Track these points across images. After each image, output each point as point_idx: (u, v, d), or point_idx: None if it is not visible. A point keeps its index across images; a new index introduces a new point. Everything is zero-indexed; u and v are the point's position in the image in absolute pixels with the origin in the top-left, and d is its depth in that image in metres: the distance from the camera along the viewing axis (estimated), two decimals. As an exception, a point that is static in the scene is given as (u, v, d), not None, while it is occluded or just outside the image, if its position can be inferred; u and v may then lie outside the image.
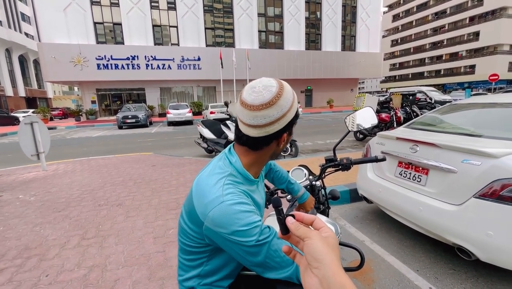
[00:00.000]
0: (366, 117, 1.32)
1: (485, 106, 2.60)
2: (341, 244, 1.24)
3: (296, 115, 0.75)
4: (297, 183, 1.22)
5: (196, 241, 0.74)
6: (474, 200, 1.72)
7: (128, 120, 14.45)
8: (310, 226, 0.42)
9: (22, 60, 33.59)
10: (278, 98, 0.68)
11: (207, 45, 22.46)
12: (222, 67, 18.74)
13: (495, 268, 1.81)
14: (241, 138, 0.75)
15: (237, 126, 0.76)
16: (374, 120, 1.28)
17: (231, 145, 0.81)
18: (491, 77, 17.89)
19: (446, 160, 1.92)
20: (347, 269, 1.25)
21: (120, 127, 14.65)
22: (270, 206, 1.30)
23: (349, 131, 1.29)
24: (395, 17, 56.81)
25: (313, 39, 26.15)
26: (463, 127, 2.36)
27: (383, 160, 1.20)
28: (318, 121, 15.15)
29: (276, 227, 1.16)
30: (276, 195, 1.34)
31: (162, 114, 20.92)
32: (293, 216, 0.43)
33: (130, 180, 4.31)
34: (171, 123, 15.78)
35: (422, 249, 2.26)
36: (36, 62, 34.88)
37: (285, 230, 0.43)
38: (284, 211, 0.46)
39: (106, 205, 3.30)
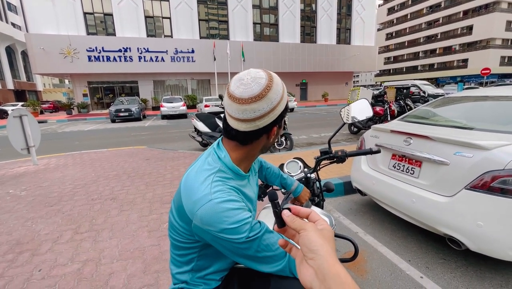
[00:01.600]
0: (361, 109, 1.32)
1: (477, 100, 2.63)
2: (335, 235, 1.24)
3: (286, 108, 0.73)
4: (290, 177, 1.22)
5: (186, 237, 0.72)
6: (465, 192, 1.75)
7: (121, 114, 14.23)
8: (305, 219, 0.42)
9: (10, 51, 32.54)
10: (268, 91, 0.65)
11: (201, 37, 22.08)
12: (214, 59, 18.50)
13: (484, 257, 1.86)
14: (230, 133, 0.73)
15: (225, 120, 0.74)
16: (370, 113, 1.28)
17: (220, 138, 0.79)
18: (483, 71, 18.12)
19: (439, 152, 1.94)
20: (342, 260, 1.26)
21: (113, 121, 14.43)
22: (265, 199, 1.30)
23: (344, 123, 1.29)
24: (390, 10, 56.70)
25: (308, 32, 25.96)
26: (455, 120, 2.39)
27: (378, 152, 1.20)
28: (313, 114, 15.17)
29: (270, 220, 1.16)
30: (271, 188, 1.33)
31: (156, 108, 20.66)
32: (289, 209, 0.43)
33: (123, 174, 4.26)
34: (165, 117, 15.61)
35: (414, 239, 2.31)
36: (24, 54, 33.83)
37: (281, 223, 0.43)
38: (280, 204, 0.46)
39: (99, 199, 3.26)
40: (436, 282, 1.80)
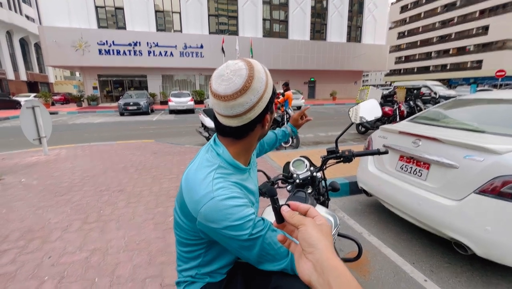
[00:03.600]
0: (370, 109, 1.30)
1: (489, 102, 2.57)
2: (340, 235, 1.25)
3: (274, 92, 0.71)
4: (280, 130, 1.28)
5: (192, 234, 0.73)
6: (474, 196, 1.73)
7: (130, 107, 14.40)
8: (304, 215, 0.43)
9: (23, 43, 33.21)
10: (251, 81, 0.63)
11: (210, 33, 22.06)
12: (224, 55, 18.48)
13: (490, 263, 1.83)
14: (224, 131, 0.71)
15: (215, 119, 0.72)
16: (378, 113, 1.27)
17: (215, 135, 0.77)
18: (497, 73, 17.60)
19: (448, 155, 1.91)
20: (345, 260, 1.26)
21: (122, 114, 14.62)
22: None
23: (352, 123, 1.28)
24: (403, 8, 55.44)
25: (318, 29, 25.63)
26: (466, 123, 2.34)
27: (385, 152, 1.19)
28: (320, 113, 15.06)
29: (273, 218, 1.17)
30: (276, 185, 1.34)
31: (164, 102, 20.81)
32: (288, 205, 0.44)
33: (131, 167, 4.33)
34: (173, 112, 15.73)
35: (419, 242, 2.29)
36: (37, 46, 34.47)
37: (280, 219, 0.44)
38: (284, 201, 0.46)
39: (107, 191, 3.33)
40: (440, 286, 1.79)
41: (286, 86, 6.45)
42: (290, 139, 5.79)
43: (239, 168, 0.74)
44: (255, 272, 0.78)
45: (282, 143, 5.76)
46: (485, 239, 1.65)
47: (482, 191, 1.69)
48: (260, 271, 0.74)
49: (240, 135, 0.72)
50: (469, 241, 1.72)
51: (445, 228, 1.86)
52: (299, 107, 17.86)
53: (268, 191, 0.47)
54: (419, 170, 2.13)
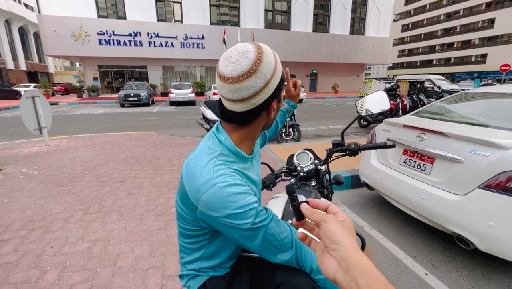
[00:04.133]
0: (377, 101, 1.27)
1: (494, 97, 2.53)
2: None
3: (282, 80, 0.69)
4: (280, 112, 1.23)
5: (194, 224, 0.71)
6: (478, 191, 1.71)
7: (130, 99, 14.32)
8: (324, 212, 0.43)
9: (22, 32, 32.83)
10: (259, 64, 0.61)
11: (211, 24, 21.72)
12: (225, 46, 18.26)
13: (492, 258, 1.83)
14: (227, 116, 0.69)
15: (220, 103, 0.70)
16: (386, 106, 1.23)
17: (219, 122, 0.75)
18: (502, 68, 17.38)
19: (453, 150, 1.88)
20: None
21: (122, 105, 14.56)
22: (274, 188, 1.29)
23: (359, 115, 1.25)
24: (408, 0, 54.38)
25: (321, 21, 25.20)
26: (470, 117, 2.31)
27: (393, 146, 1.17)
28: (322, 106, 14.96)
29: (278, 209, 1.15)
30: (279, 178, 1.32)
31: (165, 94, 20.69)
32: (307, 202, 0.43)
33: (132, 158, 4.32)
34: (173, 103, 15.64)
35: (421, 236, 2.29)
36: (37, 35, 34.09)
37: (300, 216, 0.43)
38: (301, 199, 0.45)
39: (108, 182, 3.33)
40: (441, 279, 1.79)
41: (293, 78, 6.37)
42: (292, 132, 5.76)
43: (241, 156, 0.72)
44: (260, 267, 0.77)
45: (284, 136, 5.73)
46: (489, 235, 1.64)
47: (487, 186, 1.67)
48: (264, 265, 0.72)
49: (244, 122, 0.69)
50: (473, 236, 1.71)
51: (448, 223, 1.85)
52: (301, 100, 17.75)
53: (287, 188, 0.46)
54: (423, 164, 2.11)
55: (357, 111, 1.31)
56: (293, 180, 1.33)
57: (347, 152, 1.22)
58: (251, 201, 0.62)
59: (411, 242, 2.22)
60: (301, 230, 0.45)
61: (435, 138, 2.04)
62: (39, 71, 36.24)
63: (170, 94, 15.18)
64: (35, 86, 19.98)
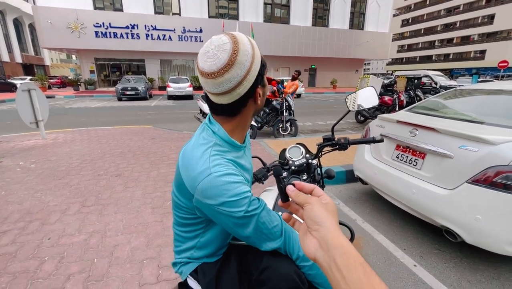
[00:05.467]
0: (368, 97, 1.30)
1: (489, 93, 2.56)
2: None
3: (263, 65, 0.70)
4: None
5: (190, 213, 0.74)
6: (466, 185, 1.75)
7: (128, 92, 14.23)
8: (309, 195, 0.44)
9: (17, 24, 32.27)
10: (236, 55, 0.62)
11: (209, 17, 21.47)
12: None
13: (478, 250, 1.89)
14: (216, 109, 0.72)
15: (207, 98, 0.72)
16: (375, 101, 1.26)
17: (210, 114, 0.77)
18: (500, 64, 17.40)
19: (444, 145, 1.92)
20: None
21: (120, 99, 14.46)
22: (266, 182, 1.32)
23: (349, 111, 1.28)
24: (409, -5, 53.93)
25: (320, 15, 24.98)
26: (465, 113, 2.34)
27: (381, 141, 1.20)
28: (320, 101, 14.96)
29: (270, 201, 1.19)
30: (271, 172, 1.35)
31: (162, 88, 20.55)
32: (293, 185, 0.44)
33: (129, 152, 4.34)
34: (171, 97, 15.57)
35: (411, 229, 2.35)
36: (32, 27, 33.52)
37: (285, 198, 0.45)
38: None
39: (105, 175, 3.35)
40: (429, 271, 1.85)
41: (298, 75, 6.34)
42: (289, 127, 5.78)
43: (234, 145, 0.74)
44: (248, 253, 0.80)
45: (281, 131, 5.75)
46: (475, 227, 1.69)
47: (475, 181, 1.72)
48: (252, 252, 0.76)
49: (233, 112, 0.71)
50: (460, 229, 1.77)
51: (437, 216, 1.90)
52: (299, 95, 17.73)
53: (274, 170, 0.48)
54: (415, 159, 2.15)
55: (347, 107, 1.34)
56: (285, 173, 1.37)
57: (337, 146, 1.25)
58: (244, 190, 0.65)
59: (401, 235, 2.27)
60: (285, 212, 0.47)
61: (427, 134, 2.07)
62: (35, 64, 35.77)
63: (168, 88, 15.09)
64: (31, 79, 19.77)
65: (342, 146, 1.23)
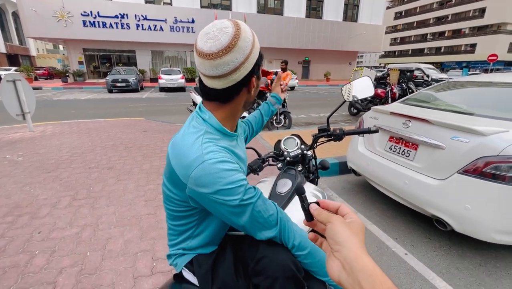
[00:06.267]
0: (363, 88, 1.29)
1: (480, 85, 2.60)
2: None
3: (261, 56, 0.70)
4: (263, 104, 1.23)
5: (182, 205, 0.72)
6: (457, 176, 1.79)
7: (118, 84, 13.90)
8: (335, 213, 0.41)
9: (0, 12, 30.91)
10: (237, 39, 0.62)
11: (202, 7, 20.99)
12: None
13: (467, 238, 1.94)
14: (209, 94, 0.70)
15: (201, 82, 0.70)
16: (371, 92, 1.26)
17: (201, 102, 0.76)
18: (489, 58, 17.67)
19: (436, 136, 1.95)
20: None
21: (110, 91, 14.14)
22: (261, 172, 1.31)
23: (345, 101, 1.27)
24: (402, -13, 53.83)
25: (314, 7, 24.73)
26: (456, 105, 2.37)
27: (376, 131, 1.20)
28: (313, 94, 14.96)
29: (265, 193, 1.18)
30: (266, 163, 1.34)
31: (154, 79, 20.15)
32: (317, 203, 0.43)
33: (121, 144, 4.26)
34: (163, 89, 15.30)
35: (403, 219, 2.39)
36: (16, 15, 32.14)
37: (309, 216, 0.43)
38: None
39: (96, 168, 3.29)
40: (419, 259, 1.90)
41: (286, 64, 6.28)
42: (282, 119, 5.77)
43: (226, 133, 0.73)
44: (243, 243, 0.80)
45: (275, 124, 5.74)
46: (465, 216, 1.73)
47: (465, 171, 1.75)
48: (248, 242, 0.75)
49: (226, 99, 0.70)
50: (450, 218, 1.81)
51: (428, 206, 1.94)
52: (292, 88, 17.67)
53: (296, 188, 0.45)
54: (407, 151, 2.18)
55: (343, 97, 1.33)
56: (280, 164, 1.36)
57: (332, 137, 1.25)
58: (240, 178, 0.63)
59: (393, 225, 2.32)
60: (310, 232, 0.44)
61: (420, 126, 2.09)
62: (20, 54, 34.48)
63: (160, 80, 14.81)
64: (16, 70, 19.05)
65: (338, 136, 1.23)
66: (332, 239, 0.37)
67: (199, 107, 0.74)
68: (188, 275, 0.80)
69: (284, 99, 6.01)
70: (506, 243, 1.69)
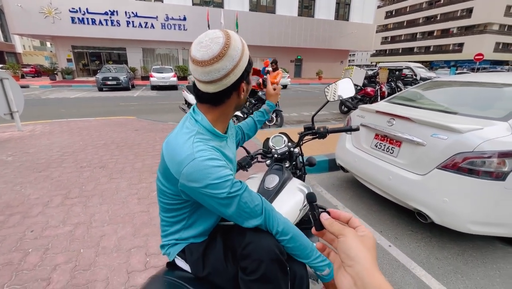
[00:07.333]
0: (346, 88, 1.37)
1: (463, 85, 2.72)
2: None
3: (249, 63, 0.76)
4: (257, 111, 1.30)
5: (175, 198, 0.79)
6: (436, 171, 1.89)
7: (109, 82, 13.70)
8: (346, 224, 0.41)
9: (-17, 7, 29.86)
10: (227, 49, 0.69)
11: (193, 4, 20.81)
12: (209, 28, 17.65)
13: (447, 230, 2.05)
14: (202, 97, 0.77)
15: (195, 86, 0.78)
16: (352, 92, 1.33)
17: (195, 104, 0.83)
18: (476, 57, 18.14)
19: (418, 134, 2.05)
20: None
21: (100, 89, 13.92)
22: (250, 169, 1.38)
23: (328, 101, 1.34)
24: (393, -14, 54.57)
25: (306, 5, 24.84)
26: (441, 104, 2.48)
27: (357, 129, 1.28)
28: (306, 92, 15.10)
29: (253, 189, 1.25)
30: (255, 160, 1.41)
31: (145, 78, 19.89)
32: (328, 212, 0.42)
33: (112, 143, 4.25)
34: (155, 88, 15.15)
35: (388, 213, 2.50)
36: (1, 11, 31.17)
37: (319, 226, 0.42)
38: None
39: (88, 167, 3.29)
40: (402, 250, 2.00)
41: (276, 64, 6.34)
42: (274, 118, 5.85)
43: (216, 134, 0.80)
44: (232, 232, 0.86)
45: (266, 122, 5.81)
46: (442, 209, 1.84)
47: (444, 167, 1.86)
48: (236, 230, 0.82)
49: (217, 102, 0.77)
50: (429, 211, 1.92)
51: (410, 200, 2.04)
52: (285, 86, 17.77)
53: (308, 196, 0.45)
54: (392, 148, 2.28)
55: (326, 97, 1.40)
56: (268, 161, 1.43)
57: (317, 135, 1.32)
58: (227, 173, 0.70)
59: (379, 219, 2.42)
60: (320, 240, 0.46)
61: (403, 124, 2.19)
62: (5, 51, 33.44)
63: (151, 78, 14.66)
64: (1, 68, 18.51)
65: (321, 134, 1.30)
66: (344, 253, 0.36)
67: (193, 109, 0.81)
68: (181, 262, 0.86)
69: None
70: (481, 233, 1.80)
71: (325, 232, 0.42)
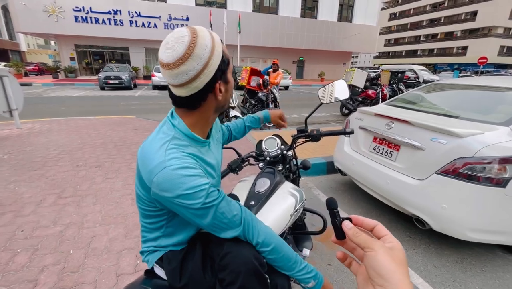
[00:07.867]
0: (341, 90, 1.33)
1: (465, 88, 2.66)
2: (306, 209, 1.32)
3: (224, 60, 0.69)
4: (251, 116, 1.26)
5: (151, 205, 0.74)
6: (435, 176, 1.84)
7: (111, 81, 13.73)
8: (370, 232, 0.37)
9: (-11, 5, 30.15)
10: (193, 48, 0.62)
11: (196, 4, 20.85)
12: (211, 29, 17.66)
13: (445, 237, 2.00)
14: (176, 101, 0.73)
15: (169, 89, 0.73)
16: (346, 94, 1.29)
17: (173, 108, 0.78)
18: (479, 60, 18.03)
19: (417, 138, 2.00)
20: (311, 233, 1.35)
21: (102, 88, 13.95)
22: (240, 172, 1.34)
23: (321, 103, 1.30)
24: (397, -11, 54.40)
25: (309, 6, 24.80)
26: (441, 107, 2.43)
27: (351, 133, 1.24)
28: (307, 94, 15.05)
29: (244, 192, 1.20)
30: (247, 162, 1.37)
31: (147, 77, 19.95)
32: (350, 219, 0.39)
33: (110, 143, 4.23)
34: (157, 87, 15.16)
35: (386, 218, 2.45)
36: (5, 9, 31.40)
37: (341, 235, 0.39)
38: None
39: (84, 166, 3.27)
40: (399, 256, 1.94)
41: (277, 66, 6.30)
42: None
43: (195, 139, 0.75)
44: (211, 240, 0.82)
45: (266, 123, 5.76)
46: (442, 215, 1.79)
47: (443, 172, 1.81)
48: (215, 240, 0.78)
49: (193, 106, 0.72)
50: (427, 217, 1.87)
51: (408, 205, 1.99)
52: (286, 87, 17.74)
53: (328, 202, 0.42)
54: (390, 151, 2.23)
55: (319, 99, 1.36)
56: (261, 164, 1.39)
57: (310, 138, 1.28)
58: (201, 182, 0.65)
59: (376, 224, 2.37)
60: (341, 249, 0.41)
61: (402, 127, 2.14)
62: (9, 49, 33.69)
63: (153, 78, 14.68)
64: (5, 65, 18.63)
65: (315, 137, 1.26)
66: (374, 271, 0.32)
67: (171, 113, 0.76)
68: (159, 271, 0.82)
69: (276, 99, 6.05)
70: (480, 240, 1.75)
71: (347, 241, 0.39)
